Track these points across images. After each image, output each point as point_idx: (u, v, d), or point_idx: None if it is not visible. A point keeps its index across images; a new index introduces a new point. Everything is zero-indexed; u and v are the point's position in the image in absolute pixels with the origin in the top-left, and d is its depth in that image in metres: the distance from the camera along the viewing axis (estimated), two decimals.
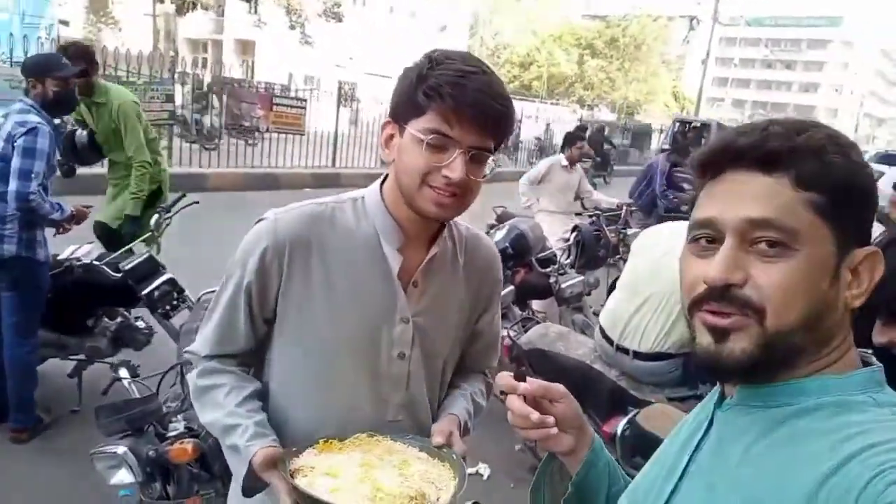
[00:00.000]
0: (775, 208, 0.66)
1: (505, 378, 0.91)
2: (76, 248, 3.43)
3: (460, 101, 1.04)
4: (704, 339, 0.70)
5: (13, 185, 2.81)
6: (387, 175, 1.21)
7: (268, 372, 1.25)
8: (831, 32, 77.95)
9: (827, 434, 0.64)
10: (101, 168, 4.44)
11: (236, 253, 1.21)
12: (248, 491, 1.12)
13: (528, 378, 0.91)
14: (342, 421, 1.17)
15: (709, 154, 0.73)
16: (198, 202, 4.06)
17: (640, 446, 2.36)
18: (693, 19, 34.83)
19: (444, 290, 1.25)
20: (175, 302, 3.34)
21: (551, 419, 0.89)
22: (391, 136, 1.14)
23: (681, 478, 0.76)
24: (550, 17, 43.62)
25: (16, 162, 2.82)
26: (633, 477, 1.02)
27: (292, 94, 12.59)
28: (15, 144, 2.84)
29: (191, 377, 1.24)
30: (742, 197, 0.68)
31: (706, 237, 0.71)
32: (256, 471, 1.08)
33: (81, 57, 3.60)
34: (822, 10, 73.97)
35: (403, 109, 1.10)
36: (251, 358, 1.26)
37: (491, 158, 1.11)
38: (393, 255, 1.18)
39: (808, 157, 0.67)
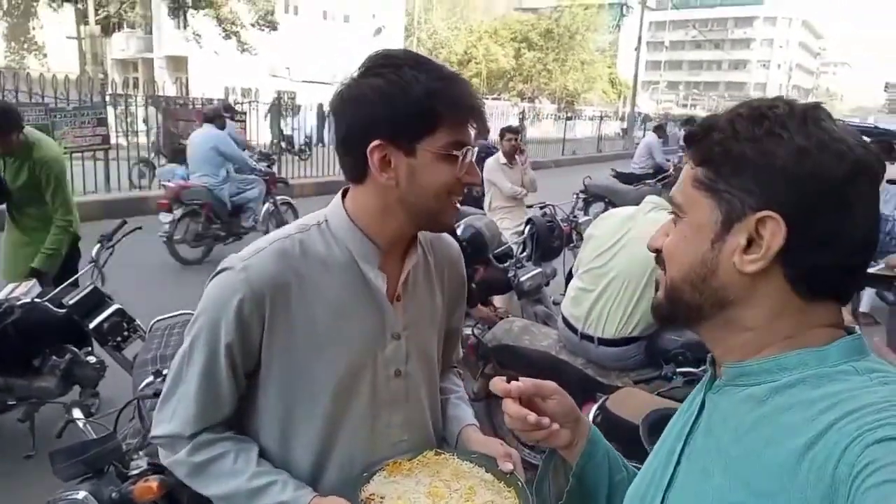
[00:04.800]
0: (678, 186, 0.77)
1: (499, 383, 0.92)
2: (14, 286, 3.26)
3: (471, 107, 1.07)
4: None
5: None
6: (345, 192, 1.15)
7: (256, 424, 1.17)
8: (755, 10, 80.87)
9: (808, 406, 0.65)
10: None
11: (198, 313, 1.10)
12: None
13: (519, 378, 0.92)
14: (346, 455, 1.14)
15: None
16: (140, 228, 3.92)
17: (612, 431, 2.36)
18: (623, 6, 35.58)
19: (425, 297, 1.23)
20: (126, 333, 3.20)
21: (547, 420, 0.90)
22: (384, 159, 1.05)
23: (677, 463, 0.77)
24: (484, 14, 43.94)
25: None
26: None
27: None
28: None
29: (179, 459, 1.12)
30: None
31: None
32: None
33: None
34: None
35: (408, 128, 1.04)
36: (234, 419, 1.17)
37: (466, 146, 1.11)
38: (375, 274, 1.13)
39: (699, 139, 0.74)
